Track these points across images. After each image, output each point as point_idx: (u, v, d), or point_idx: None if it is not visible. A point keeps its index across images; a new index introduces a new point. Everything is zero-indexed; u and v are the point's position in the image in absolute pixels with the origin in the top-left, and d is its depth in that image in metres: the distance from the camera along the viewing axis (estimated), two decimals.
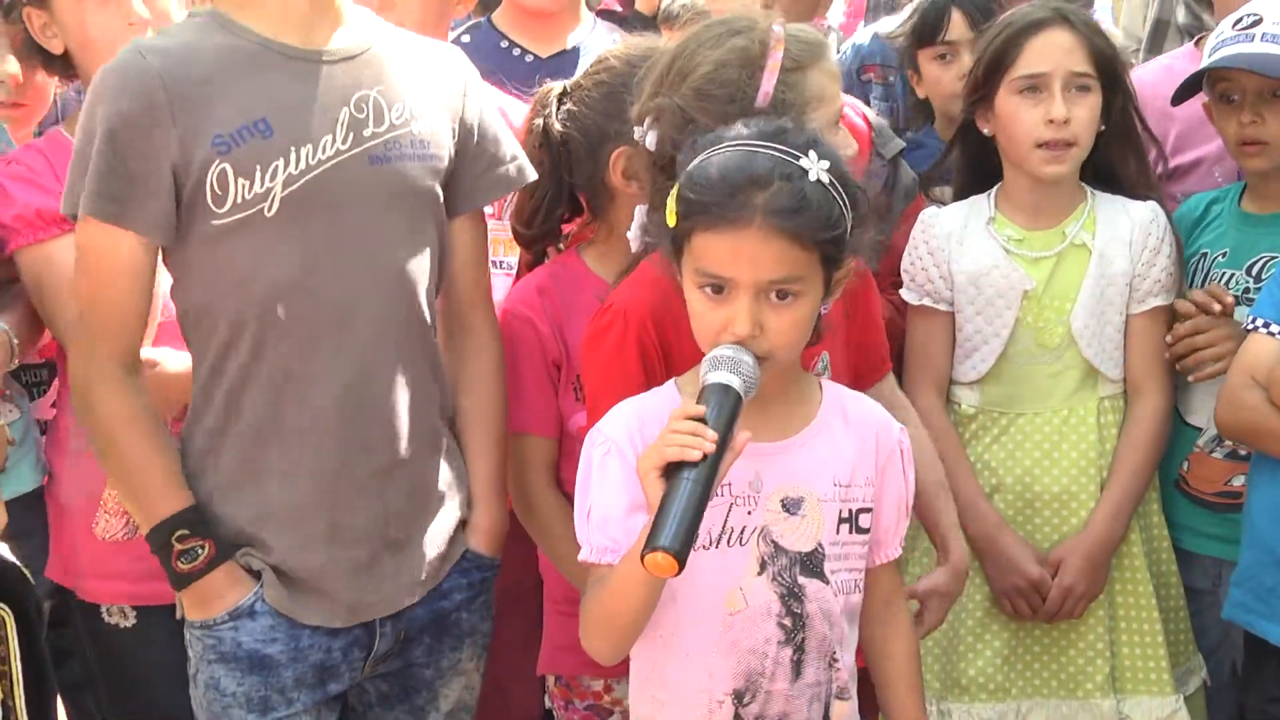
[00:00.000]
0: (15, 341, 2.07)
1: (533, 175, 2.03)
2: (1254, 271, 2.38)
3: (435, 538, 1.92)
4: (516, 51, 2.75)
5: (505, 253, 2.36)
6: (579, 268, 2.09)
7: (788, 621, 1.72)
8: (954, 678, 2.39)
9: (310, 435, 1.81)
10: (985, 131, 2.41)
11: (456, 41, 2.72)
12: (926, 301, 2.41)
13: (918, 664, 1.91)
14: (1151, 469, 2.41)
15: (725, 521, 1.68)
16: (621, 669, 1.82)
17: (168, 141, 1.72)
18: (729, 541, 1.69)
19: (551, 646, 2.10)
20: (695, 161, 1.68)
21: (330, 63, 1.81)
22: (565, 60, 2.67)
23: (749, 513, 1.70)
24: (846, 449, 1.77)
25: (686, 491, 1.52)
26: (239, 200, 1.74)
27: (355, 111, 1.79)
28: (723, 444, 1.55)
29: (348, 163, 1.78)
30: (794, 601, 1.72)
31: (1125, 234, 2.37)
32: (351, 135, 1.79)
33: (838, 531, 1.75)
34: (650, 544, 1.50)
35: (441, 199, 1.92)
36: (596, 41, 2.74)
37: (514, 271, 2.34)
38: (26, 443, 2.25)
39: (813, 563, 1.73)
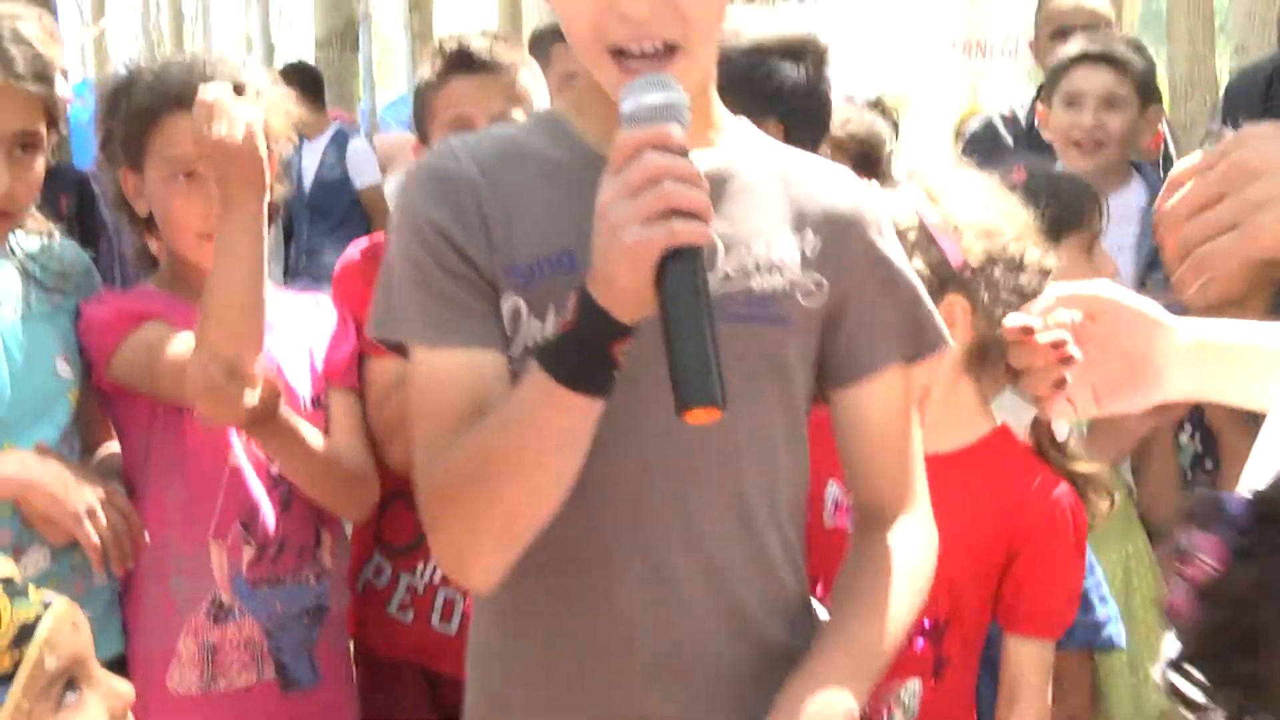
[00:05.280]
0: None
1: (951, 342, 1.61)
2: None
3: None
4: None
5: None
6: None
7: None
8: None
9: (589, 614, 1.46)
10: None
11: None
12: None
13: None
14: None
15: None
16: None
17: (480, 254, 1.45)
18: None
19: None
20: None
21: None
22: None
23: None
24: None
25: (705, 321, 1.24)
26: (529, 344, 1.43)
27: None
28: None
29: None
30: None
31: None
32: None
33: None
34: (694, 398, 1.25)
35: (798, 368, 1.52)
36: None
37: None
38: (114, 606, 2.22)
39: None
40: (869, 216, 1.55)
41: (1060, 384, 1.44)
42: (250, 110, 1.97)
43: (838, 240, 1.52)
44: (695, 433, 1.37)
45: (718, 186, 1.45)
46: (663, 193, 1.24)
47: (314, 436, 2.17)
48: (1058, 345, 1.43)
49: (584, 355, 1.31)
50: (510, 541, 1.40)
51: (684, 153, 1.27)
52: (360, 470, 2.26)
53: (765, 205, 1.50)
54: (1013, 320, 1.46)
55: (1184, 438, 2.60)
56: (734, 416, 1.38)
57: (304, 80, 7.68)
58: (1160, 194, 1.27)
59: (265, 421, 2.04)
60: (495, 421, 1.37)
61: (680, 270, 1.25)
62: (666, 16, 1.38)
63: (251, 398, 1.98)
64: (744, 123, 1.57)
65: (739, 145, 1.53)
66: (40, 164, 2.15)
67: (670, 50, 1.39)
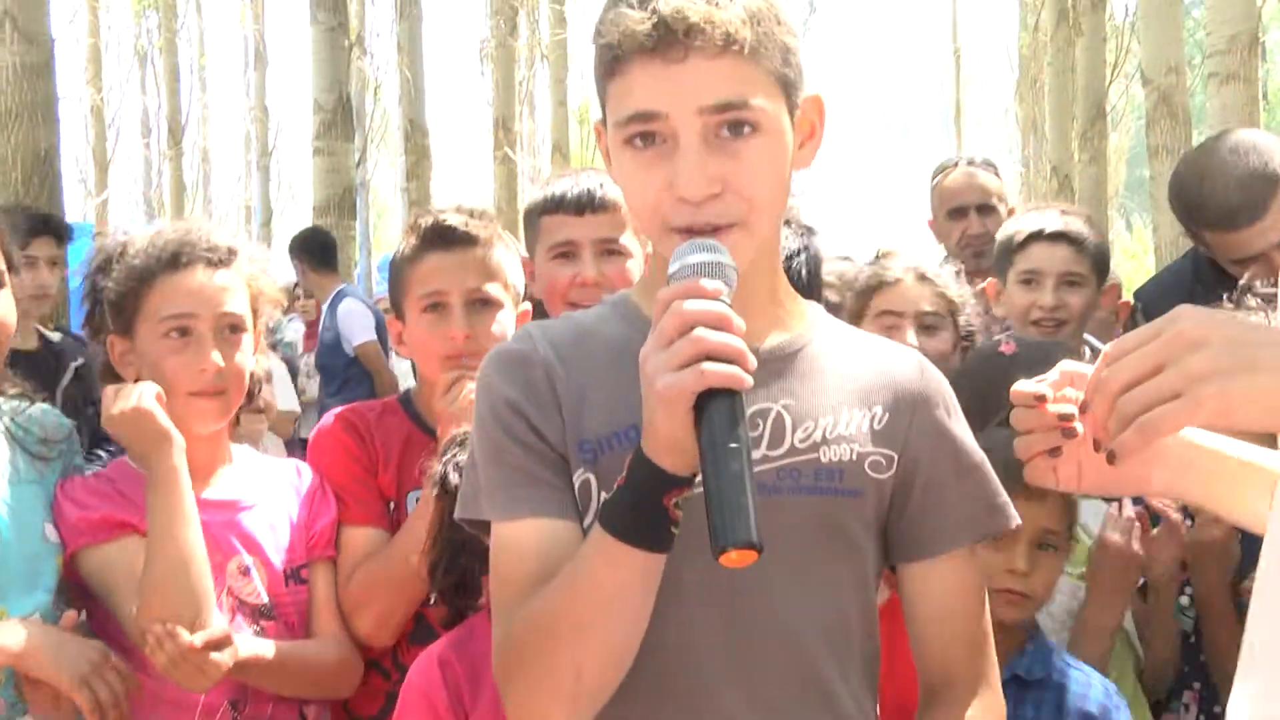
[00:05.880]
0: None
1: (1016, 520, 1.62)
2: None
3: None
4: None
5: None
6: None
7: None
8: None
9: None
10: None
11: None
12: None
13: None
14: None
15: None
16: None
17: (553, 431, 1.48)
18: None
19: None
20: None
21: None
22: None
23: None
24: None
25: (741, 463, 1.24)
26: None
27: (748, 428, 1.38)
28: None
29: None
30: None
31: None
32: None
33: None
34: (728, 539, 1.22)
35: (866, 538, 1.52)
36: None
37: None
38: None
39: None
40: (935, 395, 1.58)
41: (1054, 452, 1.45)
42: (138, 386, 2.12)
43: (904, 416, 1.54)
44: (759, 600, 1.41)
45: (786, 363, 1.51)
46: (694, 339, 1.26)
47: (266, 650, 2.16)
48: (1065, 417, 1.43)
49: (637, 508, 1.33)
50: (578, 702, 1.39)
51: (722, 301, 1.29)
52: (337, 654, 2.25)
53: (833, 381, 1.52)
54: (1023, 386, 1.46)
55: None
56: (803, 585, 1.45)
57: (316, 245, 7.78)
58: (1097, 364, 1.30)
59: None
60: (558, 582, 1.38)
61: (714, 413, 1.26)
62: (726, 198, 1.42)
63: (226, 657, 2.00)
64: (813, 305, 1.61)
65: (807, 324, 1.56)
66: (8, 297, 2.16)
67: (730, 226, 1.42)
